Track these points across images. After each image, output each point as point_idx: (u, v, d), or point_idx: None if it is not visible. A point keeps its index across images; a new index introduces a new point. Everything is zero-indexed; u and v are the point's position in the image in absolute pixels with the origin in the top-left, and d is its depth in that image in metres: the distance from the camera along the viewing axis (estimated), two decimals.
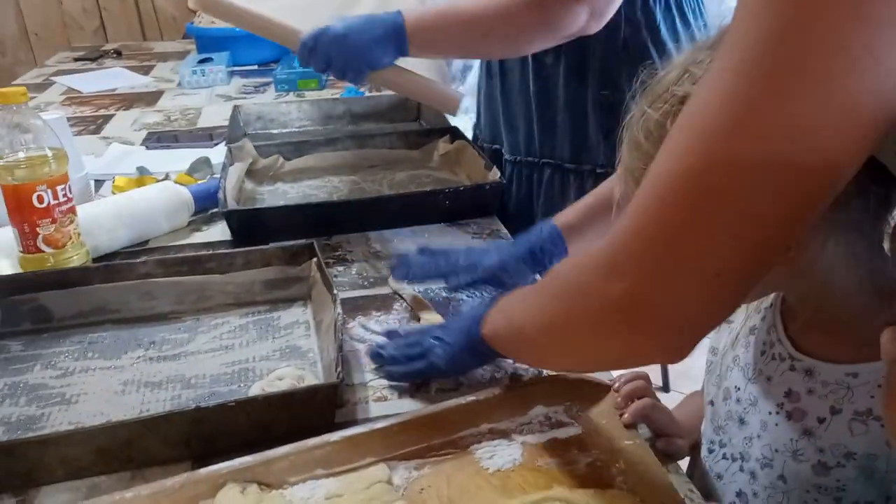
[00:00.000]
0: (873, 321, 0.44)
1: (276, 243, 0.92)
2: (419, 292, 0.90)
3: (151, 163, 1.30)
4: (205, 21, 2.10)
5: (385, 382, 0.75)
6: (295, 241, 0.93)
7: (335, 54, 1.00)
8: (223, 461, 0.59)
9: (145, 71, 2.10)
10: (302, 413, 0.67)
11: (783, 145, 0.39)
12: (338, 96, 1.72)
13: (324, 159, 1.30)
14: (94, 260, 0.96)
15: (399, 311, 0.87)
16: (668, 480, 0.60)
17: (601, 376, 0.72)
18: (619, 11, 1.00)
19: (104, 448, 0.63)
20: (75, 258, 0.92)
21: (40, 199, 0.88)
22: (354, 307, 0.88)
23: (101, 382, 0.76)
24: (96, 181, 1.25)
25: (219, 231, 1.08)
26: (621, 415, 0.67)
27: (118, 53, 2.32)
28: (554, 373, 0.72)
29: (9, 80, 2.19)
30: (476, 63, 1.73)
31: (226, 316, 0.87)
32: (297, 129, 1.52)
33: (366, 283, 0.94)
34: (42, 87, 1.94)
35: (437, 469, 0.62)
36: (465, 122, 1.62)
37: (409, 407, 0.70)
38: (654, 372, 1.98)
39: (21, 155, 0.87)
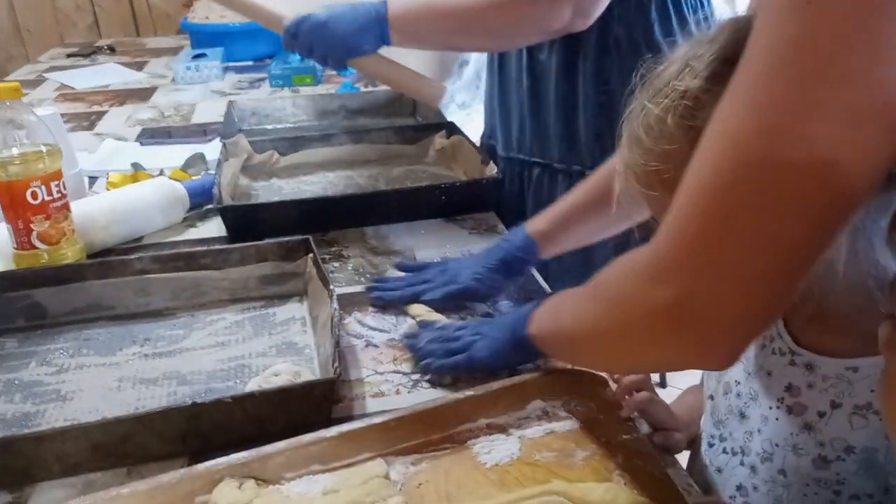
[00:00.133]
0: (873, 316, 0.43)
1: (272, 239, 0.92)
2: None
3: (146, 159, 1.30)
4: (199, 17, 2.09)
5: (381, 378, 0.75)
6: (290, 236, 0.92)
7: (316, 41, 1.02)
8: (220, 457, 0.59)
9: (139, 67, 2.09)
10: (298, 409, 0.66)
11: (818, 147, 0.39)
12: (333, 91, 1.72)
13: (319, 155, 1.29)
14: (89, 256, 0.95)
15: (396, 307, 0.87)
16: (665, 474, 0.60)
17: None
18: (611, 10, 0.99)
19: (100, 444, 0.62)
20: (69, 255, 0.92)
21: (34, 196, 0.87)
22: (351, 303, 0.87)
23: (97, 379, 0.76)
24: (90, 178, 1.24)
25: (214, 227, 1.07)
26: (619, 409, 0.67)
27: (111, 49, 2.31)
28: (551, 367, 0.72)
29: (1, 76, 2.18)
30: (473, 58, 1.72)
31: (221, 312, 0.87)
32: (292, 125, 1.52)
33: (362, 278, 0.93)
34: (35, 83, 1.93)
35: (435, 464, 0.62)
36: (461, 117, 1.62)
37: (405, 403, 0.70)
38: None
39: (15, 151, 0.87)
